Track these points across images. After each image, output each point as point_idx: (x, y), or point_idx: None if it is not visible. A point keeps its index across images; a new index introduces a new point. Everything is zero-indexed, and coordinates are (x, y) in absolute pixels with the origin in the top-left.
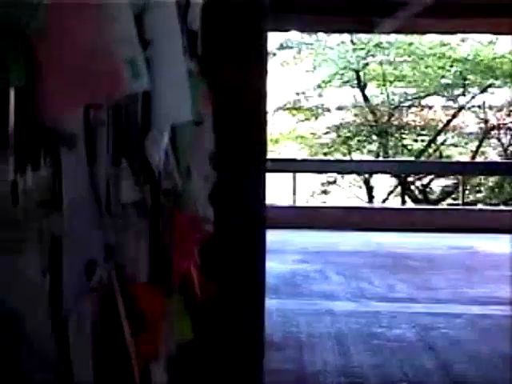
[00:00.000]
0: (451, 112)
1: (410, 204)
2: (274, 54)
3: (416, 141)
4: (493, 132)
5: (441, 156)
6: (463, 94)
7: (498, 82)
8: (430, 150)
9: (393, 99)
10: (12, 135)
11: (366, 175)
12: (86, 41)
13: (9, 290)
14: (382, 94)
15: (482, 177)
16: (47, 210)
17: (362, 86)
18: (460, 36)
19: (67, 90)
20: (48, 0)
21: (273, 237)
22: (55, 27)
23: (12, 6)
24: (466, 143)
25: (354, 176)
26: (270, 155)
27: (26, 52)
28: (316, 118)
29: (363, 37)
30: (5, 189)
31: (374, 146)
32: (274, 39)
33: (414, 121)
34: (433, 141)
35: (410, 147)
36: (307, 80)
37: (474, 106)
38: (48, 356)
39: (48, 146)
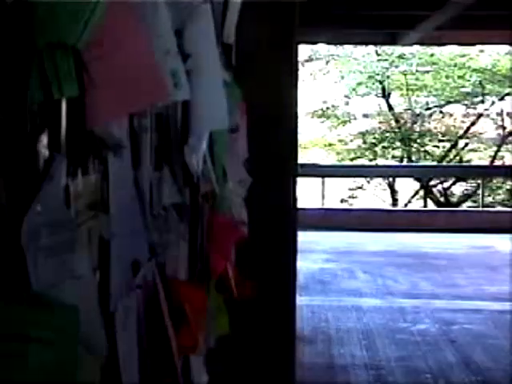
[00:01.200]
0: (471, 119)
1: (432, 206)
2: (304, 65)
3: (437, 146)
4: (510, 138)
5: (461, 161)
6: (482, 102)
7: None
8: (451, 155)
9: (415, 107)
10: (64, 142)
11: (390, 179)
12: (133, 54)
13: (63, 287)
14: (405, 102)
15: (501, 180)
16: (96, 211)
17: (386, 95)
18: (479, 47)
19: (115, 99)
20: (98, 17)
21: (303, 238)
22: (105, 42)
23: (63, 21)
24: (485, 148)
25: (379, 180)
26: (300, 161)
27: (78, 65)
28: (343, 126)
29: (387, 48)
30: (58, 192)
31: (397, 152)
32: (303, 51)
33: (435, 128)
34: (453, 146)
35: (431, 152)
36: (334, 89)
37: (492, 114)
38: (99, 349)
39: (96, 153)
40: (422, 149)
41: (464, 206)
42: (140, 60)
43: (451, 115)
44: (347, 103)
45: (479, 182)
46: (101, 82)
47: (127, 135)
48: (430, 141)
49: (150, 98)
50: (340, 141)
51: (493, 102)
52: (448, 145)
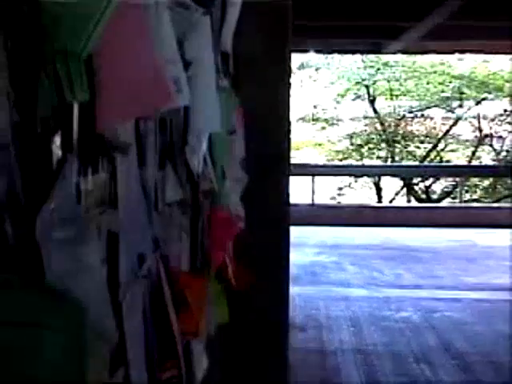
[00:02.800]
0: (450, 122)
1: (414, 203)
2: (295, 73)
3: (419, 147)
4: (486, 139)
5: (441, 160)
6: (460, 106)
7: (490, 96)
8: (432, 156)
9: (399, 111)
10: (76, 144)
11: (376, 178)
12: (139, 63)
13: (75, 277)
14: (389, 106)
15: (477, 178)
16: (105, 207)
17: (371, 100)
18: (457, 55)
19: (123, 104)
20: (105, 26)
21: (295, 232)
22: (114, 50)
23: (68, 31)
24: (463, 149)
25: (366, 179)
26: (292, 160)
27: (89, 71)
28: (332, 128)
29: (373, 57)
30: (70, 190)
31: (382, 153)
32: (295, 60)
33: (417, 130)
34: (434, 147)
35: (414, 153)
36: (324, 95)
37: (469, 117)
38: (109, 334)
39: (105, 153)
40: (405, 150)
41: (444, 203)
42: (146, 68)
43: (432, 118)
44: (336, 107)
45: (458, 180)
46: (110, 88)
47: (134, 137)
48: (412, 142)
49: (155, 104)
50: (329, 142)
51: (470, 107)
52: (429, 146)
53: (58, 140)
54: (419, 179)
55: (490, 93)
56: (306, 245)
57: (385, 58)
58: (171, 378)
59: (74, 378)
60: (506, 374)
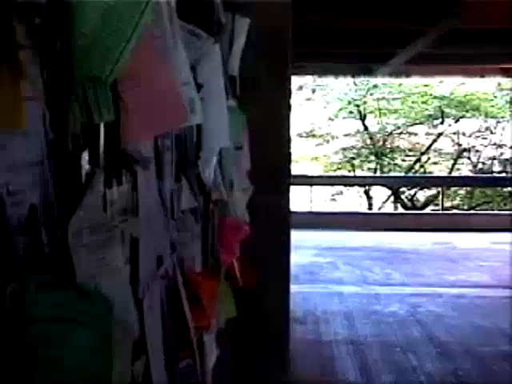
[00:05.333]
0: (432, 137)
1: (401, 210)
2: (295, 93)
3: (405, 160)
4: (465, 153)
5: (424, 172)
6: (441, 123)
7: (468, 114)
8: (416, 167)
9: (386, 127)
10: (102, 158)
11: (366, 187)
12: (158, 85)
13: (102, 277)
14: (378, 123)
15: (457, 187)
16: (127, 215)
17: (362, 118)
18: (438, 78)
19: (144, 123)
20: (129, 53)
21: (294, 236)
22: (135, 76)
23: (96, 60)
24: (444, 161)
25: (357, 188)
26: (292, 172)
27: (114, 95)
28: (327, 143)
29: (363, 79)
30: (97, 200)
31: (372, 165)
32: (294, 82)
33: (403, 144)
34: (418, 160)
35: (400, 165)
36: (320, 113)
37: (450, 133)
38: (132, 328)
39: (128, 167)
40: (393, 162)
41: (427, 210)
42: (164, 90)
43: (416, 134)
44: (330, 125)
45: (439, 189)
46: (132, 109)
47: (153, 153)
48: (398, 155)
49: (172, 122)
50: (324, 155)
51: (450, 124)
52: (414, 159)
53: (86, 155)
54: (405, 188)
55: (467, 111)
56: (304, 247)
57: (374, 80)
58: (187, 366)
59: (102, 366)
60: (481, 361)
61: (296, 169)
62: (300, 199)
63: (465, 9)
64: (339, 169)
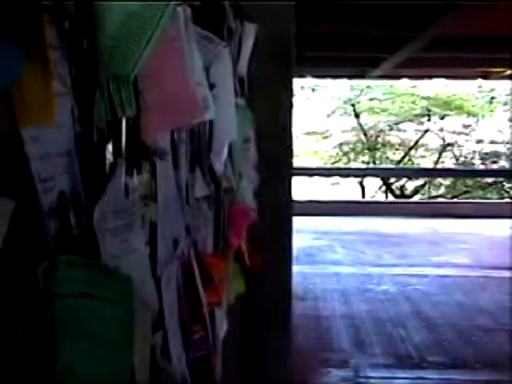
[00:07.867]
0: (420, 133)
1: (391, 198)
2: (297, 93)
3: (395, 154)
4: (448, 147)
5: (413, 164)
6: (428, 121)
7: (452, 113)
8: (405, 160)
9: (378, 125)
10: (124, 150)
11: (360, 178)
12: (175, 83)
13: (124, 258)
14: (371, 121)
15: (442, 178)
16: (147, 201)
17: (356, 116)
18: (425, 80)
19: (162, 117)
20: (149, 54)
21: (295, 221)
22: (154, 74)
23: (118, 60)
24: (430, 155)
25: (352, 178)
26: (294, 165)
27: (135, 92)
28: (325, 139)
29: (358, 81)
30: (120, 187)
31: (365, 158)
32: (296, 83)
33: (393, 140)
34: (407, 154)
35: (391, 158)
36: (319, 112)
37: (435, 130)
38: (152, 304)
39: (147, 158)
40: (384, 155)
41: (415, 198)
42: (180, 88)
43: (405, 131)
44: (328, 122)
45: (426, 180)
46: (151, 104)
47: (169, 145)
48: (389, 149)
49: (187, 118)
50: (323, 150)
51: (435, 122)
52: (403, 152)
53: (110, 147)
54: (395, 179)
55: (451, 110)
56: (304, 231)
57: (367, 82)
58: (200, 338)
59: (125, 338)
60: (463, 333)
61: (297, 162)
62: (301, 189)
63: (449, 19)
64: (336, 161)
